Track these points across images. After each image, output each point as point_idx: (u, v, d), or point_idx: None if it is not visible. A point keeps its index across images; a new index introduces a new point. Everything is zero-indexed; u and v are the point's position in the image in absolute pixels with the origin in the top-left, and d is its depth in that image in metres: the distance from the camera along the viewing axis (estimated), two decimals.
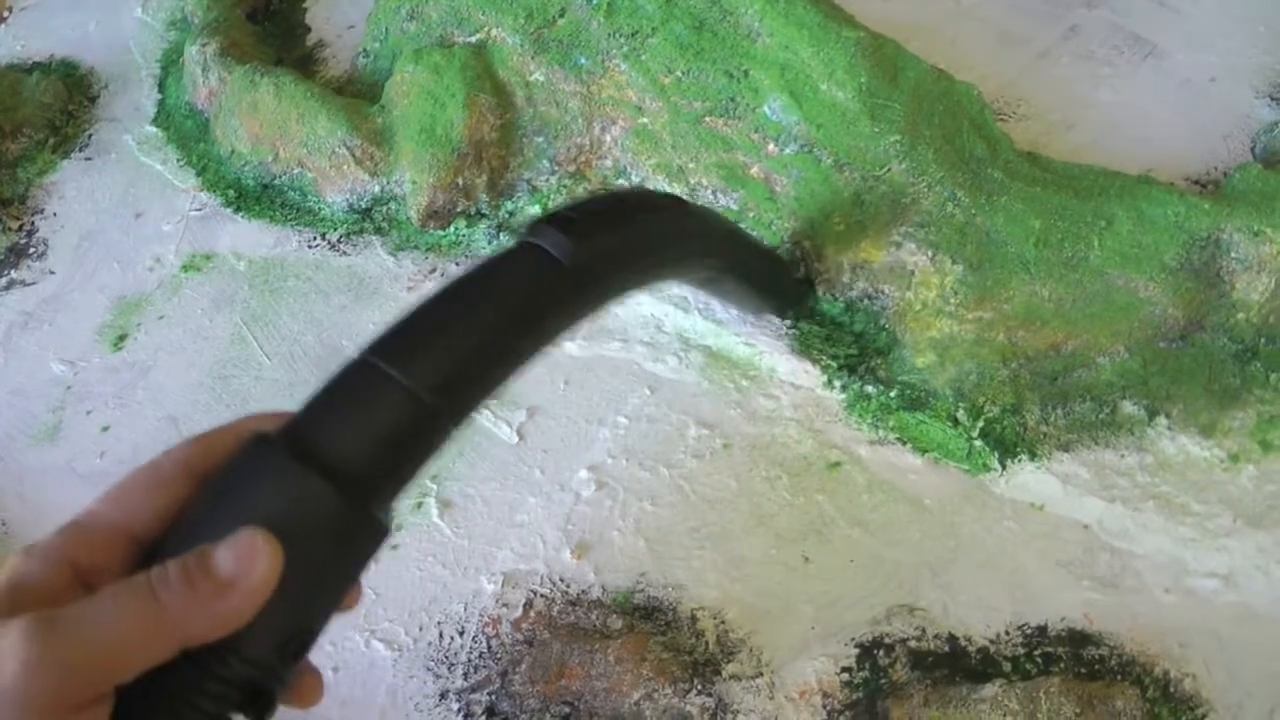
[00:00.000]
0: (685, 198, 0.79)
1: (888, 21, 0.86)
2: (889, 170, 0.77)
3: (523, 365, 0.44)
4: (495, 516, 0.74)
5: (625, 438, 0.76)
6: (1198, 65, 0.97)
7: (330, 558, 0.35)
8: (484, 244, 0.89)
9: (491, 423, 0.78)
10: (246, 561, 0.32)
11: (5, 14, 1.23)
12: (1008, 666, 0.64)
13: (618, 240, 0.52)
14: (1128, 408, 0.72)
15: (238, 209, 0.97)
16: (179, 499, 0.34)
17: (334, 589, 0.36)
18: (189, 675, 0.32)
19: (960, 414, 0.73)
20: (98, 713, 0.30)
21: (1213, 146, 0.90)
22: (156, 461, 0.35)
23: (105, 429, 0.84)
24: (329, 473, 0.34)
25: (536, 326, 0.45)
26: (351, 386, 0.38)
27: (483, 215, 0.90)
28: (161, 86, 1.11)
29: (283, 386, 0.84)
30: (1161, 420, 0.72)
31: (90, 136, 1.07)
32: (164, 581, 0.31)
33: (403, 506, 0.75)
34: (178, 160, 1.02)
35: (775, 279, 0.78)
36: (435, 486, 0.75)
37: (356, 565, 0.36)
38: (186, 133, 1.04)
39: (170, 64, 1.13)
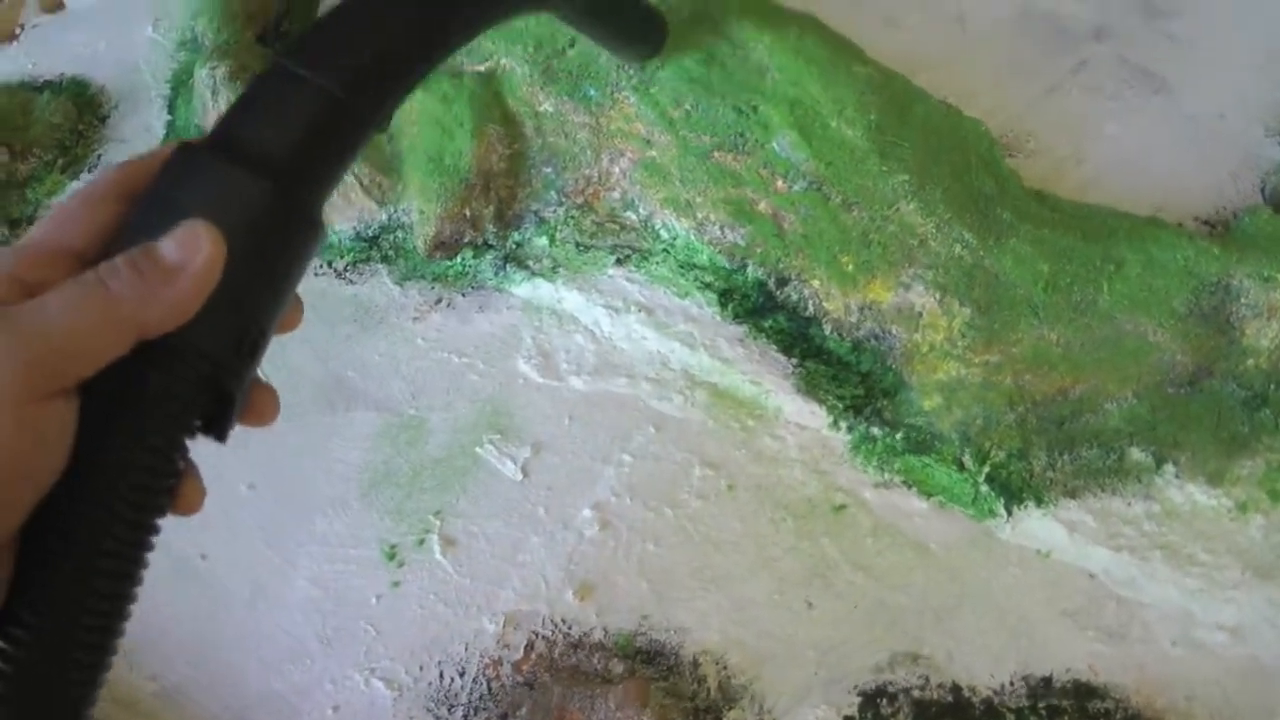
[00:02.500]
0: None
1: (894, 53, 0.86)
2: (897, 210, 0.77)
3: (427, 66, 0.46)
4: (498, 555, 0.73)
5: (630, 476, 0.76)
6: (1207, 101, 0.96)
7: (268, 248, 0.37)
8: (490, 275, 0.89)
9: (496, 459, 0.78)
10: (190, 248, 0.33)
11: (17, 31, 1.23)
12: (1011, 718, 0.64)
13: None
14: (1135, 454, 0.72)
15: None
16: (114, 216, 0.35)
17: (278, 283, 0.38)
18: (151, 375, 0.33)
19: (966, 458, 0.72)
20: (62, 409, 0.31)
21: (1221, 185, 0.89)
22: (87, 186, 0.36)
23: None
24: (256, 166, 0.36)
25: (434, 28, 0.46)
26: (266, 91, 0.40)
27: (490, 246, 0.90)
28: (171, 108, 1.11)
29: (287, 415, 0.83)
30: (1169, 468, 0.71)
31: (100, 157, 1.07)
32: (113, 272, 0.32)
33: (405, 542, 0.74)
34: None
35: (643, 22, 0.79)
36: (439, 523, 0.75)
37: (295, 261, 0.38)
38: None
39: (180, 84, 1.13)
